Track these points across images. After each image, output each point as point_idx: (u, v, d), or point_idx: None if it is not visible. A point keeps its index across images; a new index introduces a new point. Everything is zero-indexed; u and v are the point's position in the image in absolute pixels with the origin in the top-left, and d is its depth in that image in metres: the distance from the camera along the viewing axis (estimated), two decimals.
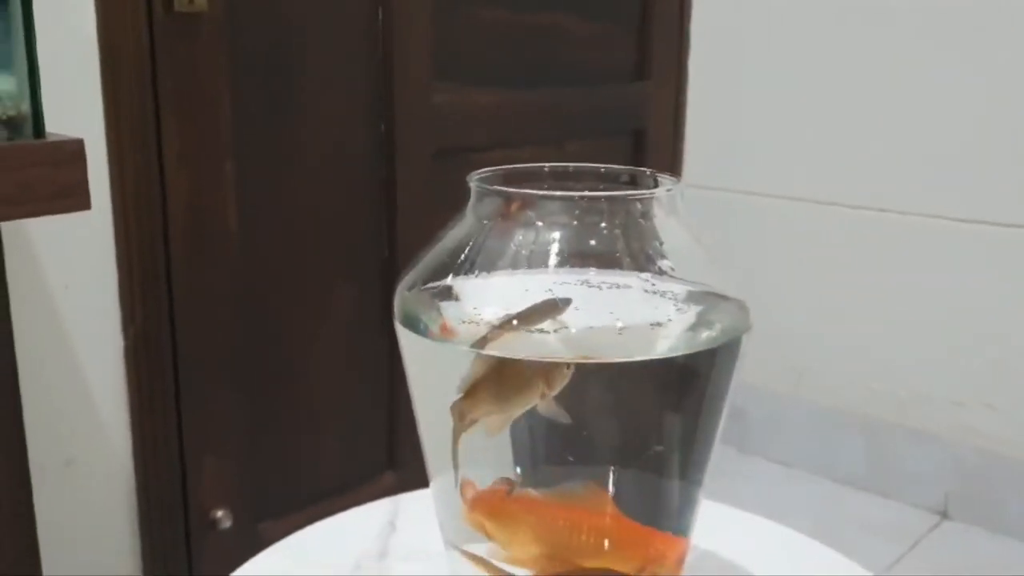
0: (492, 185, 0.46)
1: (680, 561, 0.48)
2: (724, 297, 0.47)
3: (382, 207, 1.36)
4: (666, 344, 0.43)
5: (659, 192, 0.45)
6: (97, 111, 1.08)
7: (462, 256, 0.47)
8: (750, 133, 1.78)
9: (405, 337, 0.46)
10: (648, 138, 1.77)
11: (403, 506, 0.66)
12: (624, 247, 0.45)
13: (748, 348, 0.46)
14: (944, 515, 1.63)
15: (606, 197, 0.44)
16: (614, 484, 0.45)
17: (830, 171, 1.70)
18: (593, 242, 0.45)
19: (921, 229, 1.62)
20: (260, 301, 1.27)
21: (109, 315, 1.15)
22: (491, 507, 0.45)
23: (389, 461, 1.45)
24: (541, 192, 0.44)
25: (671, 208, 0.46)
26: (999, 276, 1.57)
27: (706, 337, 0.44)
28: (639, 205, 0.45)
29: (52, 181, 0.68)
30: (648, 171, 0.48)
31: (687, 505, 0.48)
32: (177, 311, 1.19)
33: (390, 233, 1.38)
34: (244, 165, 1.21)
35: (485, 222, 0.46)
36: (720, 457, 0.61)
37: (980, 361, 1.61)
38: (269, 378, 1.30)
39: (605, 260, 0.45)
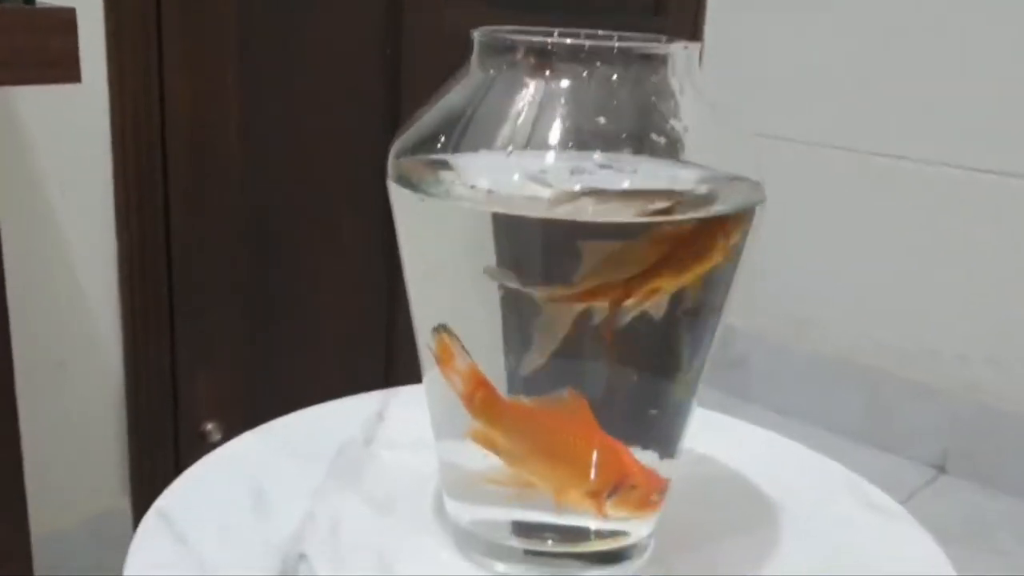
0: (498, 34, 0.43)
1: (660, 490, 0.46)
2: (740, 177, 0.44)
3: (388, 129, 1.34)
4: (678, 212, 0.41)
5: (674, 48, 0.42)
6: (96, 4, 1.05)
7: (460, 123, 0.44)
8: (764, 74, 1.74)
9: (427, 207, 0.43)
10: None
11: (393, 398, 0.64)
12: (635, 112, 0.43)
13: (759, 259, 0.44)
14: (941, 470, 1.62)
15: (619, 48, 0.41)
16: (605, 392, 0.43)
17: (844, 115, 1.66)
18: (602, 119, 0.43)
19: (934, 179, 1.59)
20: (260, 217, 1.25)
21: (104, 221, 1.13)
22: (491, 409, 0.43)
23: (385, 382, 1.43)
24: (550, 39, 0.42)
25: (687, 71, 0.43)
26: (1011, 229, 1.54)
27: (719, 205, 0.42)
28: (652, 63, 0.42)
29: (42, 49, 0.66)
30: (664, 37, 0.45)
31: (679, 417, 0.46)
32: (173, 223, 1.16)
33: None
34: (248, 76, 1.18)
35: (491, 73, 0.43)
36: (719, 405, 0.60)
37: (986, 316, 1.59)
38: (266, 294, 1.28)
39: (615, 132, 0.43)
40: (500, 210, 0.40)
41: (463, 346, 0.42)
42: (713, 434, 0.59)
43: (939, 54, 1.56)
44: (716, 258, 0.41)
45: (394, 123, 1.34)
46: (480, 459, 0.44)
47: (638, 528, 0.47)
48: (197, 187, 1.17)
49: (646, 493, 0.45)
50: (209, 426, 1.20)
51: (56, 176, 1.08)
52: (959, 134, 1.56)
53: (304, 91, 1.26)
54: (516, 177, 0.42)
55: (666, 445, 0.46)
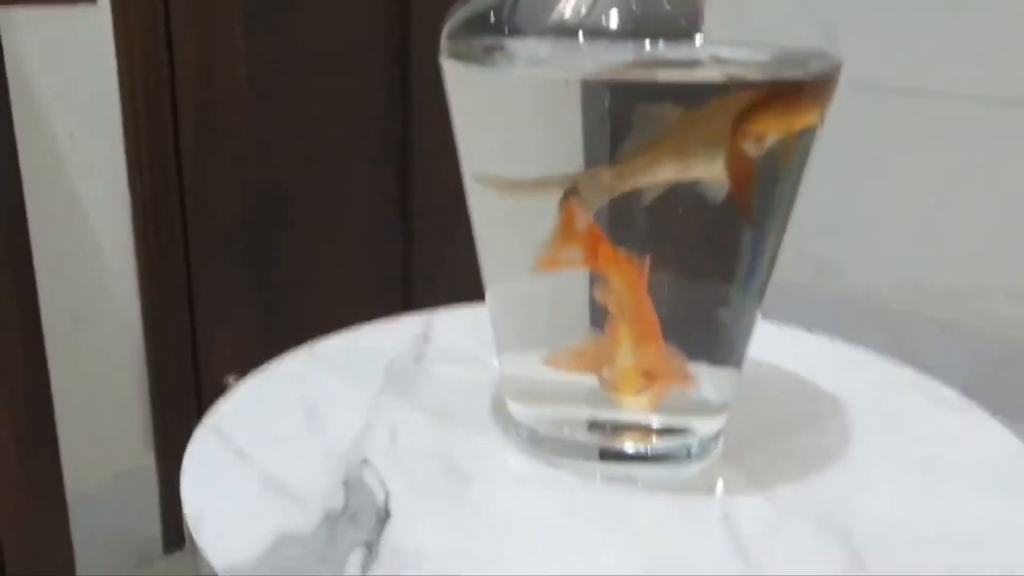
0: None
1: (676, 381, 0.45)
2: (814, 52, 0.42)
3: (397, 81, 1.31)
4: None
5: None
6: None
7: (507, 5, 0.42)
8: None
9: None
10: None
11: (434, 320, 0.62)
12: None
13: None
14: None
15: None
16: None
17: (860, 49, 1.64)
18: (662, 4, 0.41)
19: (950, 112, 1.57)
20: (270, 170, 1.23)
21: (116, 174, 1.10)
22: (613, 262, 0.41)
23: None
24: None
25: None
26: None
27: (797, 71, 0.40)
28: None
29: None
30: None
31: (745, 315, 0.45)
32: (186, 174, 1.14)
33: (404, 108, 1.33)
34: (254, 28, 1.16)
35: None
36: None
37: (1004, 250, 1.57)
38: (281, 246, 1.26)
39: (671, 17, 0.41)
40: (573, 76, 0.39)
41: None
42: (772, 343, 0.57)
43: None
44: (798, 123, 0.39)
45: (403, 71, 1.31)
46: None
47: (701, 426, 0.45)
48: (207, 140, 1.14)
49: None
50: (231, 378, 1.18)
51: (65, 129, 1.05)
52: (975, 65, 1.54)
53: (310, 42, 1.24)
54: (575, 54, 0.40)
55: (731, 344, 0.44)
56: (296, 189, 1.27)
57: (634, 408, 0.44)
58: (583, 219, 0.40)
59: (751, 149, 0.38)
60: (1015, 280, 1.57)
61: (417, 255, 1.38)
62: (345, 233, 1.34)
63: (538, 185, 0.41)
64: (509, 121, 0.41)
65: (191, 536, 0.40)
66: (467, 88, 0.42)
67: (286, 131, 1.24)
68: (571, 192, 0.39)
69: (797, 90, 0.39)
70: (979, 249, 1.59)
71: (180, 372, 1.16)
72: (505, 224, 0.45)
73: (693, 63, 0.39)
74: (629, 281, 0.41)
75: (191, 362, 1.18)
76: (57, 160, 1.04)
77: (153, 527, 1.16)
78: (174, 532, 1.17)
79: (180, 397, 1.17)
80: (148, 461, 1.16)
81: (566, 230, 0.40)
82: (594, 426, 0.45)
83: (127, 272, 1.12)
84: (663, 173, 0.38)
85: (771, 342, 0.55)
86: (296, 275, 1.29)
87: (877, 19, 1.62)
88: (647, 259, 0.40)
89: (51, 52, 1.02)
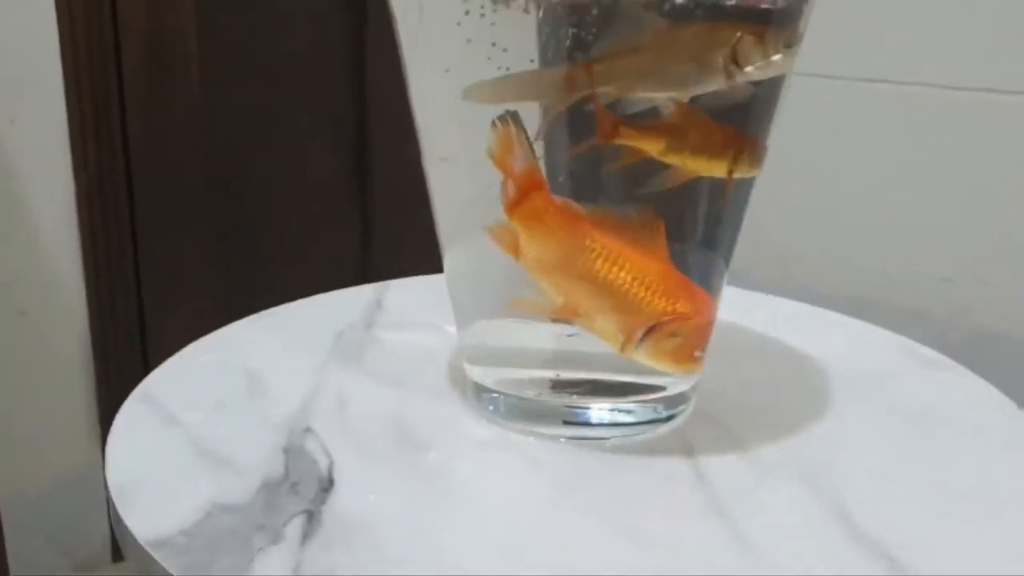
0: None
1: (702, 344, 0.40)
2: None
3: (355, 50, 1.28)
4: None
5: None
6: None
7: None
8: None
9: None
10: None
11: (387, 289, 0.59)
12: None
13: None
14: None
15: None
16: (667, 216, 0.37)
17: (817, 40, 1.62)
18: None
19: (909, 98, 1.56)
20: (222, 150, 1.18)
21: (59, 157, 1.06)
22: (532, 214, 0.36)
23: None
24: None
25: None
26: (992, 146, 1.51)
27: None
28: None
29: None
30: None
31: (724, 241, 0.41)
32: (133, 159, 1.10)
33: (359, 81, 1.29)
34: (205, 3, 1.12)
35: None
36: None
37: (970, 235, 1.56)
38: (234, 230, 1.21)
39: None
40: None
41: (528, 139, 0.35)
42: (748, 308, 0.55)
43: None
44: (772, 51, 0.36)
45: (359, 42, 1.28)
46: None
47: (671, 384, 0.42)
48: (156, 120, 1.10)
49: (691, 344, 0.39)
50: None
51: (6, 112, 1.01)
52: (940, 53, 1.53)
53: (264, 12, 1.20)
54: None
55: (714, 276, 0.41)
56: (249, 167, 1.23)
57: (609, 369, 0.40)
58: (522, 149, 0.36)
59: (729, 74, 0.35)
60: (981, 266, 1.56)
61: (376, 231, 1.34)
62: (301, 210, 1.29)
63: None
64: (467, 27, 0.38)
65: (114, 508, 0.36)
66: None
67: (238, 108, 1.19)
68: (508, 113, 0.35)
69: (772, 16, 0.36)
70: (947, 237, 1.58)
71: (128, 360, 1.11)
72: (459, 172, 0.41)
73: None
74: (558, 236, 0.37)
75: (140, 349, 1.13)
76: None
77: (100, 532, 1.11)
78: None
79: (128, 388, 1.12)
80: (95, 457, 1.11)
81: (499, 156, 0.36)
82: (558, 386, 0.42)
83: (73, 264, 1.07)
84: (631, 87, 0.35)
85: (740, 306, 0.52)
86: (251, 262, 1.25)
87: (838, 9, 1.60)
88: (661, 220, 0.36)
89: None
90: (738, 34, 0.35)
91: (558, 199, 0.36)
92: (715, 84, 0.35)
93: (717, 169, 0.38)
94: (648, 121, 0.36)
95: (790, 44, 0.36)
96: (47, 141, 1.04)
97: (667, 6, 0.35)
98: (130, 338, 1.11)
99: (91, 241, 1.07)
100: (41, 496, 1.07)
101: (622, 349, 0.37)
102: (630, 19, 0.34)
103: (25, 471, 1.05)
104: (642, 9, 0.34)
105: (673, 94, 0.35)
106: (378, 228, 1.34)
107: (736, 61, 0.35)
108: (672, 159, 0.37)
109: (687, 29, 0.35)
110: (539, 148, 0.37)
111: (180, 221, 1.14)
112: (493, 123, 0.35)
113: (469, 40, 0.37)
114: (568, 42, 0.35)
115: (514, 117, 0.35)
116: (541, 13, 0.35)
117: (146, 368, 1.12)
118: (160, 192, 1.12)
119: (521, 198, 0.36)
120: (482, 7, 0.36)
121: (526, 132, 0.35)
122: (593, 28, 0.35)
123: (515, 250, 0.37)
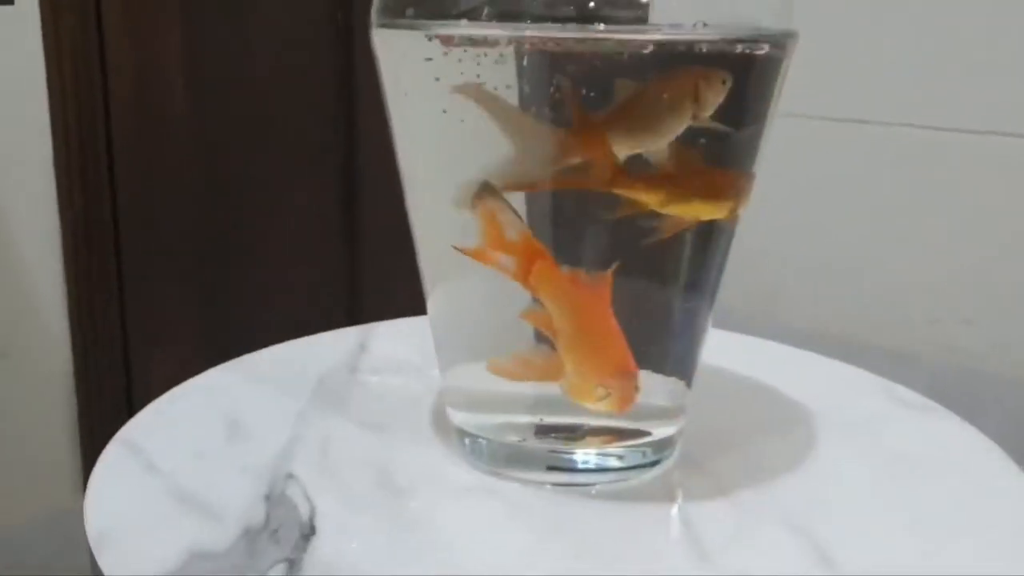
0: None
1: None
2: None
3: (341, 95, 1.28)
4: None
5: None
6: None
7: None
8: None
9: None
10: None
11: (373, 332, 0.59)
12: None
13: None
14: None
15: None
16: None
17: (806, 80, 1.64)
18: None
19: (899, 140, 1.57)
20: (210, 186, 1.18)
21: (45, 197, 1.06)
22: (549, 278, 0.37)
23: None
24: None
25: None
26: (978, 187, 1.52)
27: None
28: None
29: None
30: None
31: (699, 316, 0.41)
32: (120, 198, 1.10)
33: (348, 122, 1.29)
34: (192, 40, 1.12)
35: None
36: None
37: (956, 276, 1.57)
38: (221, 266, 1.21)
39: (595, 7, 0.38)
40: (513, 35, 0.35)
41: (514, 210, 0.35)
42: (733, 350, 0.55)
43: (898, 15, 1.54)
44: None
45: (348, 62, 1.28)
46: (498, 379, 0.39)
47: (656, 430, 0.42)
48: (142, 159, 1.10)
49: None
50: None
51: None
52: (921, 94, 1.54)
53: (252, 36, 1.20)
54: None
55: (684, 348, 0.41)
56: (236, 209, 1.23)
57: (594, 413, 0.40)
58: (512, 224, 0.36)
59: (699, 113, 0.35)
60: (968, 306, 1.56)
61: (365, 271, 1.34)
62: (290, 245, 1.29)
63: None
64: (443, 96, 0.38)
65: (92, 558, 0.36)
66: (400, 57, 0.39)
67: (227, 148, 1.20)
68: (484, 188, 0.35)
69: (748, 62, 0.37)
70: (932, 277, 1.59)
71: (112, 402, 1.10)
72: (443, 223, 0.41)
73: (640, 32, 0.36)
74: (575, 304, 0.37)
75: (124, 391, 1.12)
76: None
77: (82, 572, 1.09)
78: None
79: (112, 431, 1.11)
80: (78, 500, 1.10)
81: (489, 236, 0.36)
82: (542, 431, 0.42)
83: (57, 302, 1.07)
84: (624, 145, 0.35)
85: (724, 349, 0.52)
86: (237, 302, 1.24)
87: (821, 51, 1.62)
88: (608, 276, 0.36)
89: None
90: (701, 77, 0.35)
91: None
92: (683, 127, 0.35)
93: (719, 213, 0.38)
94: (648, 171, 0.36)
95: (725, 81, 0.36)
96: (32, 180, 1.04)
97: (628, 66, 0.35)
98: (114, 380, 1.10)
99: (75, 282, 1.07)
100: (21, 537, 1.06)
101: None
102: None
103: (5, 512, 1.04)
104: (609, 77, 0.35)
105: (652, 146, 0.35)
106: (367, 268, 1.34)
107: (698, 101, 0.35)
108: (673, 209, 0.37)
109: (658, 78, 0.36)
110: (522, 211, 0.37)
111: (165, 262, 1.14)
112: (472, 204, 0.35)
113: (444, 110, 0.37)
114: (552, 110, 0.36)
115: (490, 190, 0.35)
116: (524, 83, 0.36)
117: (130, 410, 1.11)
118: (146, 233, 1.11)
119: (528, 266, 0.36)
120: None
121: (507, 201, 0.35)
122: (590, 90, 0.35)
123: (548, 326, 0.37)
